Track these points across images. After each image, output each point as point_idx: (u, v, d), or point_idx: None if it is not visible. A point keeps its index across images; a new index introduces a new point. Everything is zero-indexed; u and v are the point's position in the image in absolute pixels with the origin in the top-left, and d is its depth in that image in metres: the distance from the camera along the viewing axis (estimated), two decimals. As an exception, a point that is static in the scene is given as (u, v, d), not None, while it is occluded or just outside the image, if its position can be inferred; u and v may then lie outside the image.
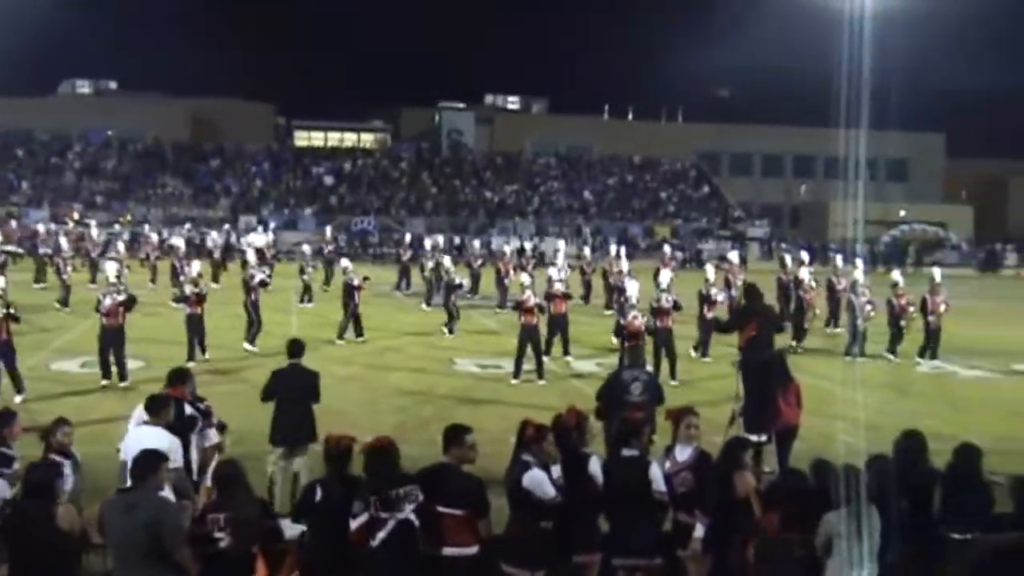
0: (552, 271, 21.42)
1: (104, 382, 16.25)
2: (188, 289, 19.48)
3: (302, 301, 28.16)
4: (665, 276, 18.28)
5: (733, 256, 28.88)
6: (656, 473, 7.41)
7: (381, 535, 6.48)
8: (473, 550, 6.73)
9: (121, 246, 32.79)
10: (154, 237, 37.58)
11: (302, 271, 29.45)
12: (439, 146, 74.70)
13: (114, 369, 16.36)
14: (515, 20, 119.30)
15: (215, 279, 31.75)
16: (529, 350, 17.63)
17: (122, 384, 16.12)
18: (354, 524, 6.52)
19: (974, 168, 79.44)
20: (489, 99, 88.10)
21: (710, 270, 21.80)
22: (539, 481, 6.86)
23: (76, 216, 52.33)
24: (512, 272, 28.66)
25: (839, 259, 26.84)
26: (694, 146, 75.13)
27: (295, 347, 10.76)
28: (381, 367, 19.01)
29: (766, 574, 6.67)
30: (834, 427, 12.51)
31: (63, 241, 30.06)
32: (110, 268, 18.58)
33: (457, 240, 50.45)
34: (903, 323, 20.72)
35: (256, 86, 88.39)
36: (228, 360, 18.84)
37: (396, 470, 6.75)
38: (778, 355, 12.20)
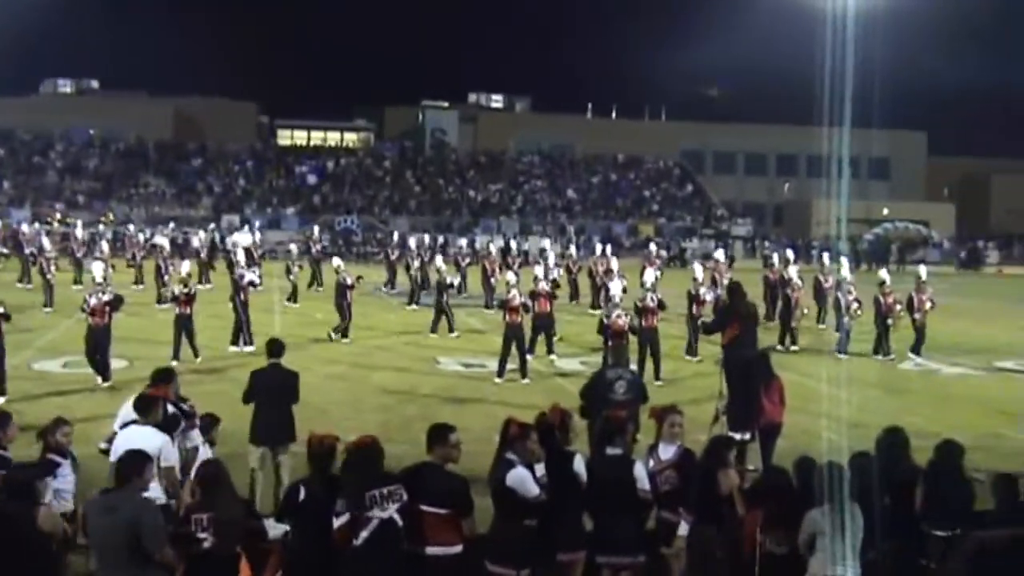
0: (538, 270, 21.38)
1: (102, 383, 16.10)
2: (177, 289, 19.39)
3: (289, 301, 28.07)
4: (650, 275, 18.25)
5: (719, 255, 28.94)
6: (640, 471, 7.43)
7: (364, 534, 6.45)
8: (457, 549, 6.71)
9: (105, 246, 32.56)
10: (140, 237, 37.33)
11: (288, 271, 29.34)
12: (423, 145, 74.68)
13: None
14: (498, 19, 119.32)
15: (203, 279, 31.58)
16: (513, 349, 17.65)
17: (104, 384, 16.03)
18: (337, 523, 6.50)
19: (956, 166, 79.96)
20: (472, 98, 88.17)
21: (698, 269, 21.82)
22: (523, 479, 6.86)
23: (59, 216, 52.03)
24: (498, 271, 28.67)
25: (826, 257, 26.95)
26: (678, 145, 75.30)
27: (275, 347, 10.70)
28: (365, 366, 18.96)
29: None
30: (818, 424, 12.59)
31: (45, 241, 29.86)
32: (96, 268, 18.34)
33: (441, 239, 50.34)
34: (890, 321, 20.82)
35: (239, 85, 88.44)
36: (213, 360, 18.75)
37: (380, 469, 6.73)
38: (762, 353, 12.27)
